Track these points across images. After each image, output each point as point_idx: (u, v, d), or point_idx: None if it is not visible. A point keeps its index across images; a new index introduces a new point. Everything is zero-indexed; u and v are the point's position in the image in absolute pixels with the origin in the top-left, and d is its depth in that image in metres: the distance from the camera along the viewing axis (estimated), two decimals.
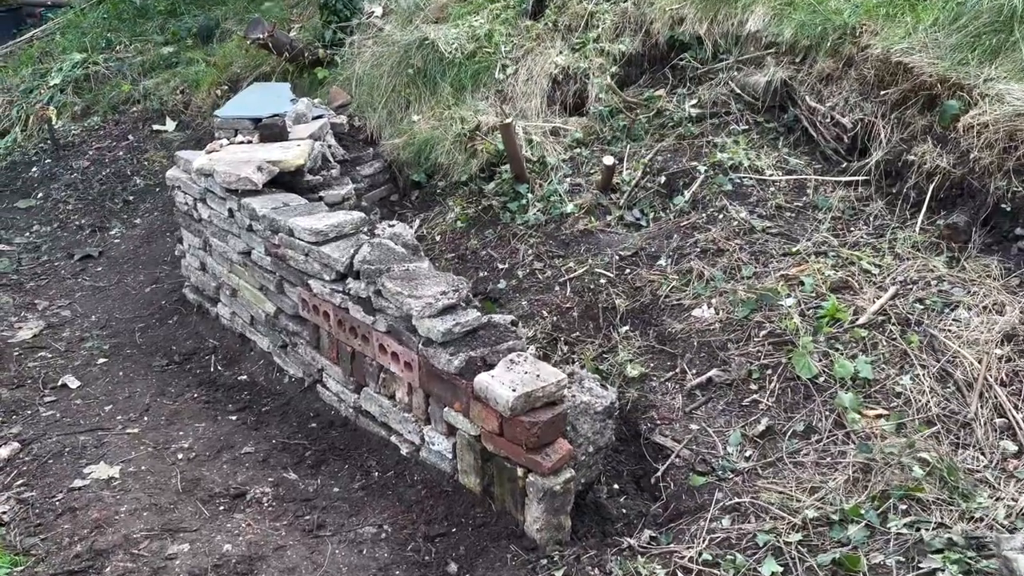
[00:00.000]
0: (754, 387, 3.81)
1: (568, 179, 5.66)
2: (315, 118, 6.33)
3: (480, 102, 6.58)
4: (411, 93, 6.90)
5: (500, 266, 5.23)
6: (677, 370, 4.05)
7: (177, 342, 5.44)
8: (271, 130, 5.55)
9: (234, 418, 4.52)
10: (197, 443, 4.25)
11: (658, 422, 3.79)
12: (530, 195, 5.63)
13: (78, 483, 3.86)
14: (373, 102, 7.00)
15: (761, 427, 3.58)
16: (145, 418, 4.53)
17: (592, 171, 5.70)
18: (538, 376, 3.40)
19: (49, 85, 9.62)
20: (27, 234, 7.24)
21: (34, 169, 8.22)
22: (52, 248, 6.99)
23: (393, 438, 4.07)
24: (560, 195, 5.49)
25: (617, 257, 4.83)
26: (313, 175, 5.39)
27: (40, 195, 7.79)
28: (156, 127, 8.47)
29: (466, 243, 5.60)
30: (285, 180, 5.17)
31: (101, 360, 5.23)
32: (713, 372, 3.92)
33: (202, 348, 5.34)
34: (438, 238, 5.79)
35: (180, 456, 4.13)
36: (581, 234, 5.17)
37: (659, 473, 3.55)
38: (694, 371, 4.00)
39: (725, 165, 5.09)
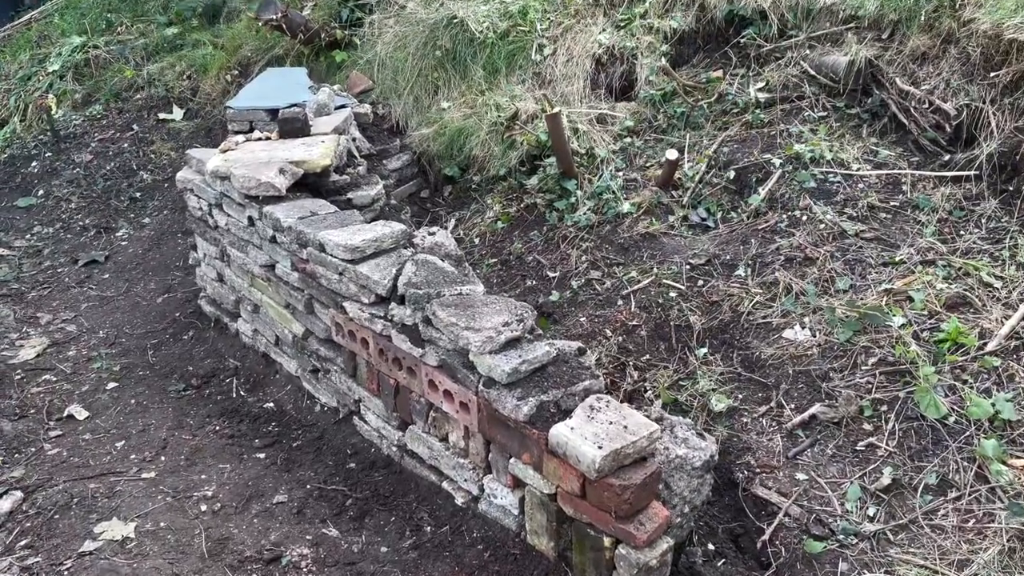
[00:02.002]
0: (868, 427, 3.27)
1: (621, 173, 5.10)
2: (337, 108, 5.76)
3: (516, 87, 6.00)
4: (439, 77, 6.31)
5: (550, 274, 4.68)
6: (772, 404, 3.51)
7: (194, 362, 4.92)
8: (292, 124, 4.99)
9: (262, 456, 4.02)
10: (222, 490, 3.75)
11: (757, 470, 3.26)
12: (579, 192, 5.07)
13: (89, 545, 3.37)
14: (398, 88, 6.42)
15: (885, 479, 3.04)
16: (162, 458, 4.02)
17: (647, 163, 5.13)
18: (625, 428, 2.87)
19: (48, 71, 9.05)
20: (28, 236, 6.72)
21: (34, 164, 7.67)
22: (55, 252, 6.47)
23: (446, 485, 3.56)
24: (614, 192, 4.92)
25: (687, 266, 4.28)
26: (339, 174, 4.83)
27: (41, 192, 7.26)
28: (162, 116, 7.90)
29: (509, 247, 5.06)
30: (310, 181, 4.62)
31: (111, 384, 4.72)
32: (816, 408, 3.38)
33: (222, 369, 4.82)
34: (477, 240, 5.25)
35: (203, 507, 3.63)
36: (642, 238, 4.61)
37: (767, 536, 3.02)
38: (792, 406, 3.47)
39: (804, 158, 4.51)
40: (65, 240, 6.62)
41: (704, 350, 3.85)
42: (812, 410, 3.38)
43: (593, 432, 2.85)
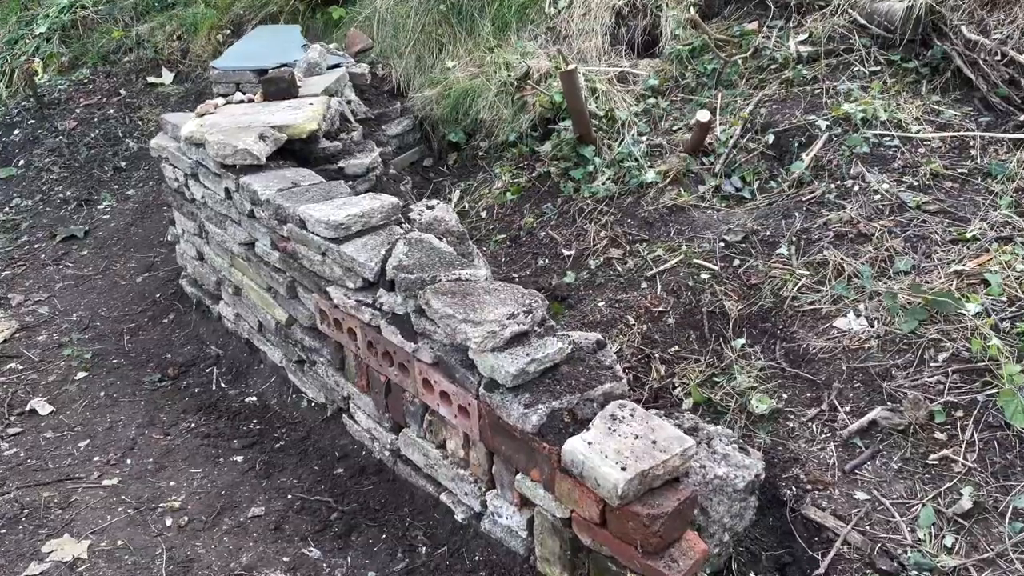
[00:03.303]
0: (941, 436, 2.76)
1: (644, 138, 4.56)
2: (331, 68, 5.24)
3: (527, 43, 5.45)
4: (444, 34, 5.77)
5: (565, 252, 4.18)
6: (823, 406, 3.01)
7: (173, 348, 4.47)
8: (277, 85, 4.48)
9: (240, 459, 3.57)
10: (191, 500, 3.30)
11: (808, 486, 2.77)
12: (597, 160, 4.54)
13: (33, 568, 2.93)
14: (399, 46, 5.88)
15: (965, 502, 2.54)
16: (128, 461, 3.58)
17: (674, 127, 4.59)
18: (654, 443, 2.38)
19: (34, 34, 8.56)
20: (5, 209, 6.27)
21: (16, 132, 7.20)
22: (33, 226, 6.02)
23: (444, 497, 3.10)
24: (637, 159, 4.39)
25: (721, 243, 3.76)
26: (330, 140, 4.32)
27: (22, 163, 6.79)
28: (151, 80, 7.40)
29: (519, 220, 4.55)
30: (296, 148, 4.12)
31: (80, 374, 4.28)
32: (877, 412, 2.87)
33: (202, 357, 4.37)
34: (484, 213, 4.74)
35: (169, 522, 3.18)
36: (668, 211, 4.09)
37: (822, 570, 2.53)
38: (848, 409, 2.96)
39: (855, 119, 3.96)
40: (44, 214, 6.16)
41: (742, 341, 3.35)
42: (872, 415, 2.88)
43: (615, 448, 2.37)
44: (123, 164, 6.56)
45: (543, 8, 5.55)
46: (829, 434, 2.92)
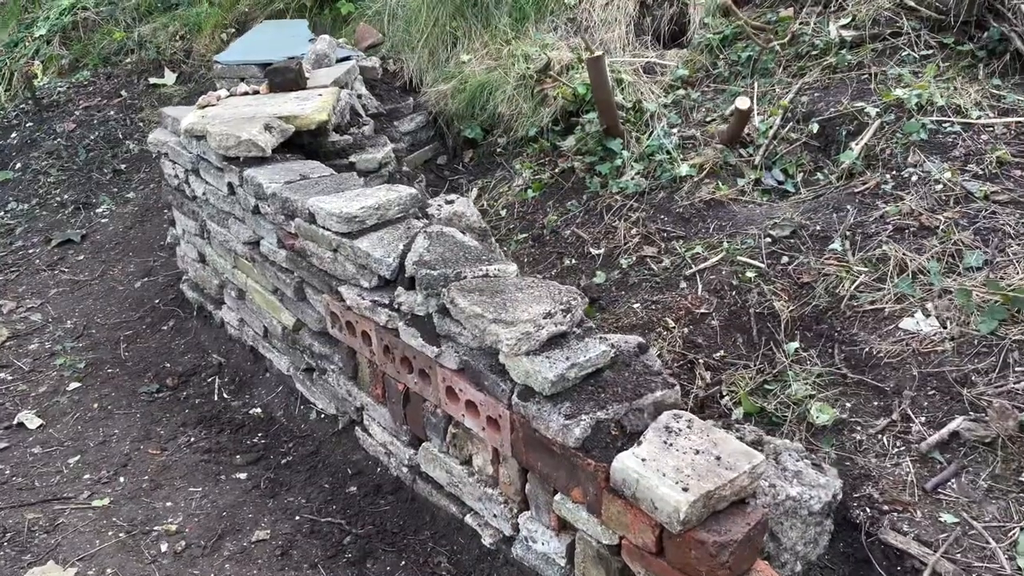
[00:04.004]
0: None
1: (675, 130, 4.26)
2: (340, 61, 4.96)
3: (547, 35, 5.16)
4: (458, 27, 5.49)
5: (593, 251, 3.88)
6: (894, 416, 2.69)
7: (172, 357, 4.17)
8: (284, 75, 4.20)
9: (243, 476, 3.26)
10: (190, 523, 2.99)
11: (884, 507, 2.45)
12: (625, 153, 4.24)
13: None
14: (411, 40, 5.60)
15: None
16: (121, 479, 3.28)
17: (707, 118, 4.29)
18: (718, 460, 2.07)
19: (34, 37, 8.32)
20: (0, 214, 5.99)
21: (13, 135, 6.93)
22: (28, 231, 5.74)
23: (470, 519, 2.78)
24: (669, 152, 4.09)
25: (767, 238, 3.45)
26: (340, 134, 4.04)
27: (18, 166, 6.52)
28: (153, 81, 7.13)
29: (542, 219, 4.25)
30: (304, 143, 3.83)
31: (73, 385, 3.99)
32: (959, 423, 2.55)
33: (204, 366, 4.07)
34: (503, 212, 4.44)
35: (164, 547, 2.87)
36: (706, 205, 3.79)
37: None
38: (923, 419, 2.64)
39: (908, 105, 3.66)
40: (40, 217, 5.88)
41: (795, 345, 3.03)
42: (953, 425, 2.56)
43: (674, 466, 2.05)
44: (123, 166, 6.28)
45: None
46: (903, 447, 2.60)
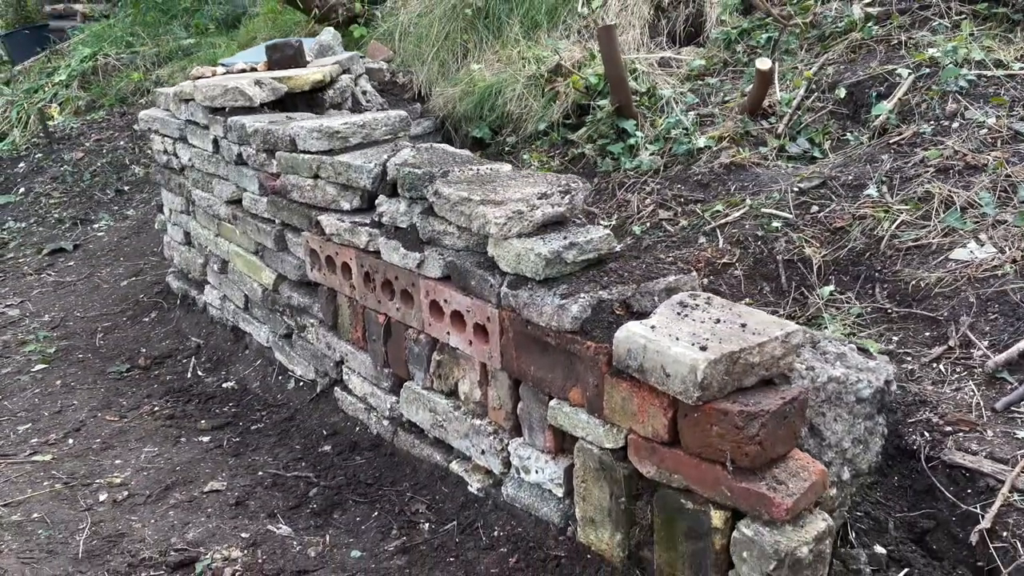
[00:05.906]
0: None
1: (694, 111, 4.02)
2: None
3: (560, 42, 5.02)
4: (469, 39, 5.37)
5: (604, 223, 3.57)
6: (951, 342, 2.30)
7: (150, 343, 3.86)
8: (283, 52, 4.04)
9: (206, 439, 2.89)
10: (137, 476, 2.62)
11: (946, 428, 2.04)
12: (639, 134, 3.98)
13: None
14: (421, 54, 5.48)
15: None
16: (71, 440, 2.92)
17: (726, 99, 4.05)
18: (743, 327, 1.71)
19: (54, 82, 8.41)
20: None
21: (20, 164, 6.87)
22: (23, 244, 5.55)
23: (455, 466, 2.39)
24: (686, 128, 3.83)
25: (794, 191, 3.14)
26: (336, 108, 3.83)
27: (21, 190, 6.41)
28: None
29: None
30: (297, 107, 3.62)
31: (38, 367, 3.67)
32: None
33: (181, 349, 3.75)
34: None
35: (103, 497, 2.49)
36: (726, 169, 3.49)
37: (986, 523, 1.78)
38: (987, 343, 2.26)
39: (943, 62, 3.40)
40: (36, 233, 5.70)
41: (829, 288, 2.67)
42: (1022, 344, 2.17)
43: (690, 332, 1.69)
44: (126, 187, 6.14)
45: (575, 6, 5.16)
46: (964, 372, 2.21)
